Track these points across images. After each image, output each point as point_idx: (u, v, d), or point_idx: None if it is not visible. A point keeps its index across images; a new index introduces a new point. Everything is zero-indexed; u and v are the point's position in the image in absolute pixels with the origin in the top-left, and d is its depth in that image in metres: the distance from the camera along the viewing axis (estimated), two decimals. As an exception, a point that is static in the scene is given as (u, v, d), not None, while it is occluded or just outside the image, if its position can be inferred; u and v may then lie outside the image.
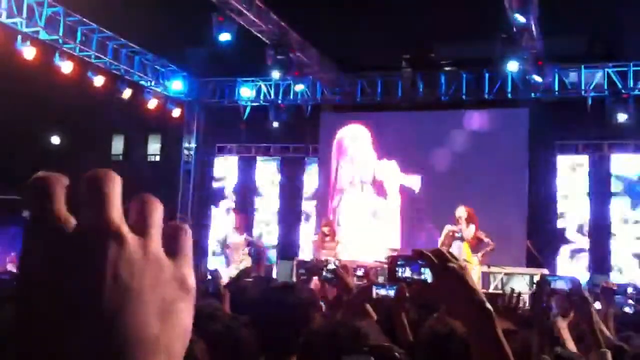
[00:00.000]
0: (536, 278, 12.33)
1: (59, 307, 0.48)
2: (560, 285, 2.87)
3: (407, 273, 1.64)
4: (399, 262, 1.67)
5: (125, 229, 0.50)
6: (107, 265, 0.49)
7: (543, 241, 13.61)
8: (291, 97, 15.48)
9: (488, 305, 1.51)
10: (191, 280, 0.54)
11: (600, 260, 13.92)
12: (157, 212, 0.53)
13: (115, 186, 0.51)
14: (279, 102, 15.49)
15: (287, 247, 15.75)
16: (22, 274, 0.50)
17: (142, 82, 15.00)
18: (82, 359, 0.47)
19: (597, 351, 2.83)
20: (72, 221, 0.50)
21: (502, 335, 1.49)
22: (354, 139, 15.15)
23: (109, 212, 0.50)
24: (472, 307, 1.51)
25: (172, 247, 0.54)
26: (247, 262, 12.05)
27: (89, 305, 0.48)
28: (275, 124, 15.19)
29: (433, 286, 1.56)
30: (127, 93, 14.36)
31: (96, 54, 13.46)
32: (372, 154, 15.00)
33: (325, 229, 12.05)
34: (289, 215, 16.19)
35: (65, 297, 0.48)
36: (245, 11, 11.94)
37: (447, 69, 14.40)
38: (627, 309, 6.60)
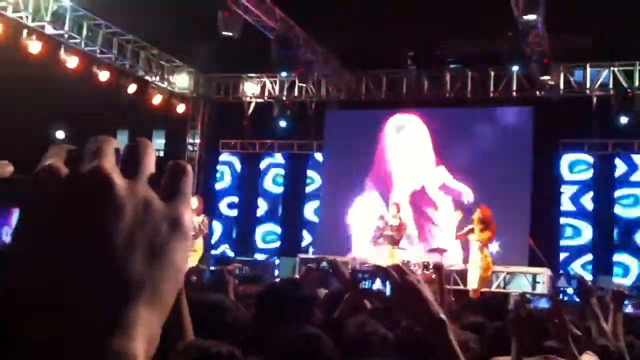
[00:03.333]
0: (539, 277, 12.39)
1: (48, 248, 0.51)
2: (541, 304, 2.88)
3: (374, 285, 1.71)
4: (362, 276, 1.74)
5: (115, 174, 0.52)
6: (94, 207, 0.51)
7: (546, 240, 13.62)
8: (296, 93, 15.50)
9: (442, 316, 1.61)
10: (186, 220, 0.55)
11: (603, 261, 13.89)
12: (148, 154, 0.56)
13: (109, 144, 0.54)
14: (284, 98, 15.51)
15: (290, 244, 15.75)
16: (21, 214, 0.53)
17: (147, 78, 15.02)
18: (68, 295, 0.50)
19: None
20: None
21: (456, 344, 1.58)
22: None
23: (101, 160, 0.53)
24: (427, 317, 1.61)
25: (169, 187, 0.55)
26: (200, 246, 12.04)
27: (75, 245, 0.50)
28: (280, 121, 15.20)
29: (392, 298, 1.66)
30: (132, 88, 14.39)
31: (101, 48, 13.49)
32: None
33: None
34: (292, 212, 16.19)
35: (54, 239, 0.51)
36: (251, 7, 11.95)
37: (452, 66, 14.37)
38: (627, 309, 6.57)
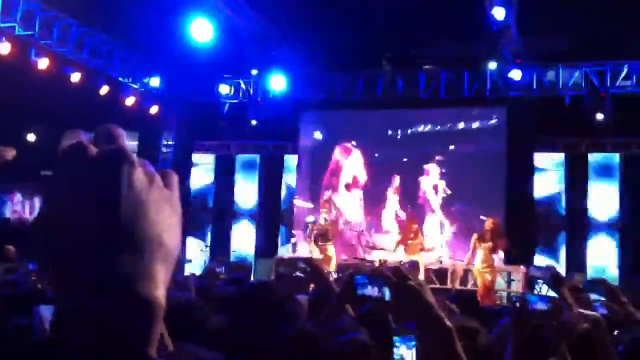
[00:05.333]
0: (514, 275, 12.50)
1: (85, 212, 0.61)
2: (540, 306, 2.80)
3: (368, 291, 1.59)
4: (358, 281, 1.63)
5: (135, 157, 0.65)
6: (125, 179, 0.63)
7: (520, 238, 13.70)
8: (270, 94, 15.41)
9: (447, 322, 1.52)
10: (179, 206, 0.69)
11: (576, 258, 14.03)
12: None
13: (119, 130, 0.68)
14: (258, 99, 15.42)
15: (267, 245, 15.70)
16: (53, 187, 0.64)
17: (120, 79, 14.84)
18: (104, 252, 0.60)
19: None
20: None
21: (462, 351, 1.48)
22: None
23: (124, 144, 0.66)
24: (431, 323, 1.52)
25: (166, 183, 0.69)
26: None
27: (105, 210, 0.61)
28: (254, 122, 15.13)
29: (392, 304, 1.55)
30: (104, 89, 14.20)
31: (73, 49, 13.31)
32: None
33: (414, 227, 12.02)
34: (267, 213, 16.12)
35: (90, 204, 0.61)
36: (225, 8, 11.86)
37: (426, 67, 14.42)
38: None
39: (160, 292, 0.62)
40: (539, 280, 11.98)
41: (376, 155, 14.69)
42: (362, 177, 14.78)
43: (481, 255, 11.32)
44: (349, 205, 14.62)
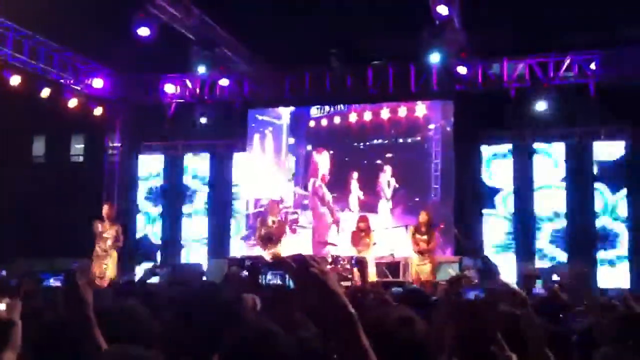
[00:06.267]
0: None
1: None
2: (471, 296, 2.80)
3: (271, 279, 1.56)
4: (262, 270, 1.60)
5: None
6: None
7: (470, 229, 13.90)
8: (217, 93, 15.25)
9: (351, 309, 1.48)
10: None
11: (526, 248, 14.25)
12: None
13: None
14: (205, 98, 15.24)
15: (218, 245, 15.54)
16: None
17: (62, 81, 14.50)
18: None
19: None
20: None
21: (366, 340, 1.46)
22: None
23: None
24: (334, 311, 1.48)
25: None
26: (114, 257, 11.84)
27: None
28: (202, 121, 14.96)
29: (295, 292, 1.51)
30: (45, 92, 13.85)
31: (12, 52, 12.95)
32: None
33: (362, 224, 12.09)
34: (219, 213, 15.96)
35: None
36: (168, 7, 11.69)
37: (374, 62, 14.47)
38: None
39: None
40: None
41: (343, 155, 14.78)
42: (328, 171, 14.85)
43: (417, 247, 11.74)
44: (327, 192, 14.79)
